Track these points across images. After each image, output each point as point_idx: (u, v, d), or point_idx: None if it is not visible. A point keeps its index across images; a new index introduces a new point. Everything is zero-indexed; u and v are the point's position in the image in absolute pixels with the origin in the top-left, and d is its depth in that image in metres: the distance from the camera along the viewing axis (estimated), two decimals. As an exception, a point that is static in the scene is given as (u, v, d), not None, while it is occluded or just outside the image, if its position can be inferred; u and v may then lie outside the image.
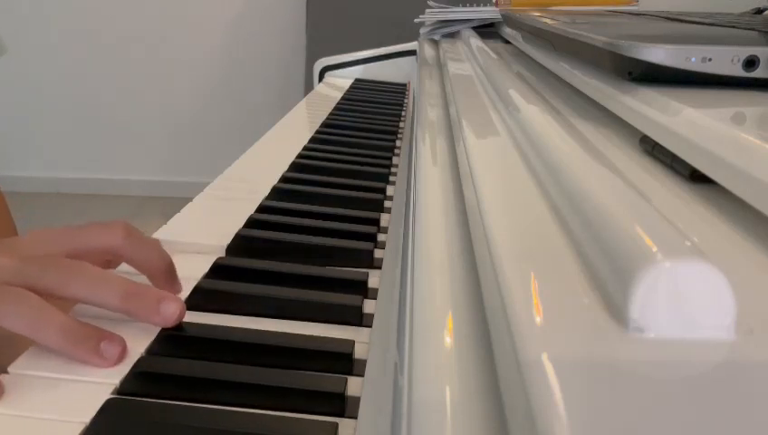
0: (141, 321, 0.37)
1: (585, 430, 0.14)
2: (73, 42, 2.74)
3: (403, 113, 1.02)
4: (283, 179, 0.65)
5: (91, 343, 0.34)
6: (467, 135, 0.40)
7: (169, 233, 0.52)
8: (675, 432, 0.14)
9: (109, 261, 0.43)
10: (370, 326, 0.40)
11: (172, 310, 0.37)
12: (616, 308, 0.18)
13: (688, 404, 0.15)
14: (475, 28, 1.12)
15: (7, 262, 0.36)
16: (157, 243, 0.42)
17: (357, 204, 0.60)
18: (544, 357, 0.16)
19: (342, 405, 0.33)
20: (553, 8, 1.08)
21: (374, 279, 0.46)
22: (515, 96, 0.46)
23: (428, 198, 0.35)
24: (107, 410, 0.31)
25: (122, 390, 0.33)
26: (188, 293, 0.42)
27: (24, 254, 0.38)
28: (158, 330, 0.37)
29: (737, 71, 0.35)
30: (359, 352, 0.37)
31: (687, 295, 0.17)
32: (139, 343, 0.36)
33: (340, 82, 1.29)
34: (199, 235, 0.51)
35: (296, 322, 0.40)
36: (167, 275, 0.41)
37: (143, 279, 0.41)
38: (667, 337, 0.17)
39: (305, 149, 0.77)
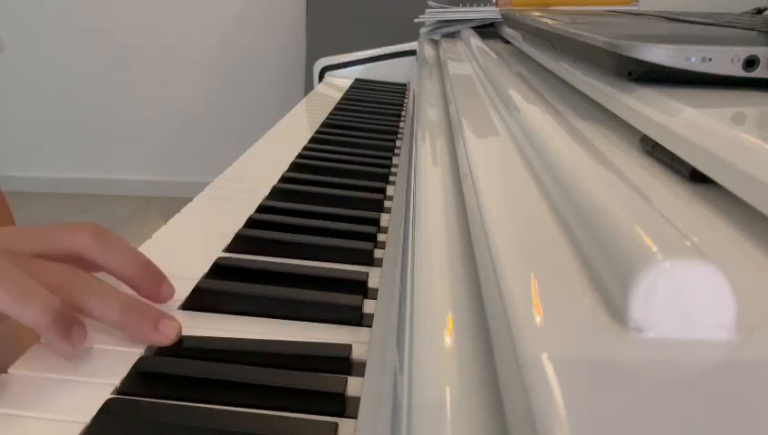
0: (136, 337, 0.36)
1: (585, 430, 0.14)
2: (73, 42, 2.74)
3: (403, 113, 1.02)
4: (283, 179, 0.65)
5: (67, 327, 0.34)
6: (467, 135, 0.40)
7: (169, 233, 0.52)
8: (675, 432, 0.14)
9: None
10: (370, 326, 0.40)
11: (170, 328, 0.36)
12: (616, 308, 0.18)
13: (688, 404, 0.15)
14: (475, 28, 1.12)
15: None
16: (128, 245, 0.39)
17: (357, 204, 0.60)
18: (544, 357, 0.16)
19: (342, 405, 0.33)
20: (553, 8, 1.08)
21: (374, 278, 0.46)
22: (515, 96, 0.46)
23: (428, 198, 0.35)
24: (107, 410, 0.31)
25: (122, 390, 0.33)
26: (188, 293, 0.42)
27: None
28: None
29: (737, 71, 0.35)
30: (358, 353, 0.37)
31: (687, 295, 0.17)
32: (138, 344, 0.36)
33: (340, 82, 1.29)
34: (195, 240, 0.51)
35: (296, 322, 0.40)
36: (147, 280, 0.39)
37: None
38: (666, 337, 0.17)
39: (305, 149, 0.77)
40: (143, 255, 0.40)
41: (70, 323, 0.34)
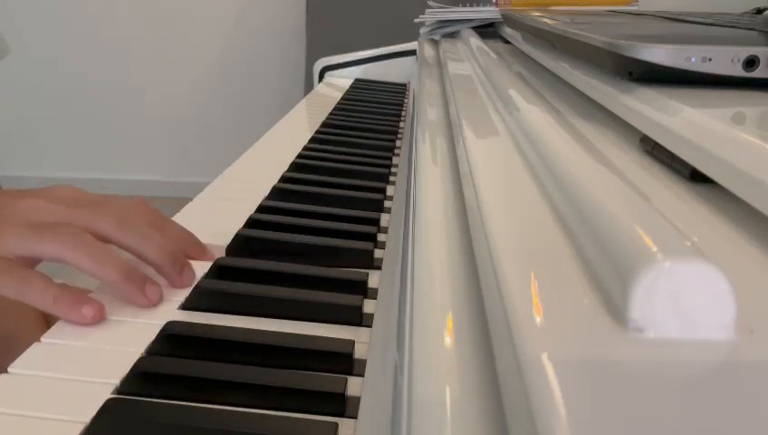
0: (129, 300, 0.40)
1: (585, 430, 0.14)
2: (73, 42, 2.74)
3: (403, 113, 1.02)
4: (283, 179, 0.65)
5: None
6: (467, 135, 0.40)
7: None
8: (674, 432, 0.14)
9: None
10: (370, 326, 0.40)
11: (152, 293, 0.41)
12: (616, 308, 0.18)
13: (688, 404, 0.15)
14: (475, 28, 1.12)
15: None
16: (155, 236, 0.43)
17: (357, 204, 0.60)
18: (544, 357, 0.16)
19: (342, 405, 0.33)
20: (553, 8, 1.08)
21: (374, 279, 0.46)
22: (515, 96, 0.46)
23: (428, 198, 0.35)
24: (107, 410, 0.31)
25: (122, 390, 0.33)
26: (189, 293, 0.42)
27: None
28: (157, 329, 0.37)
29: (737, 71, 0.35)
30: (358, 353, 0.37)
31: (687, 295, 0.17)
32: (139, 343, 0.36)
33: (340, 82, 1.29)
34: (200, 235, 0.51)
35: (296, 322, 0.40)
36: (169, 267, 0.43)
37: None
38: (666, 337, 0.17)
39: (305, 149, 0.77)
40: (170, 244, 0.44)
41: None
